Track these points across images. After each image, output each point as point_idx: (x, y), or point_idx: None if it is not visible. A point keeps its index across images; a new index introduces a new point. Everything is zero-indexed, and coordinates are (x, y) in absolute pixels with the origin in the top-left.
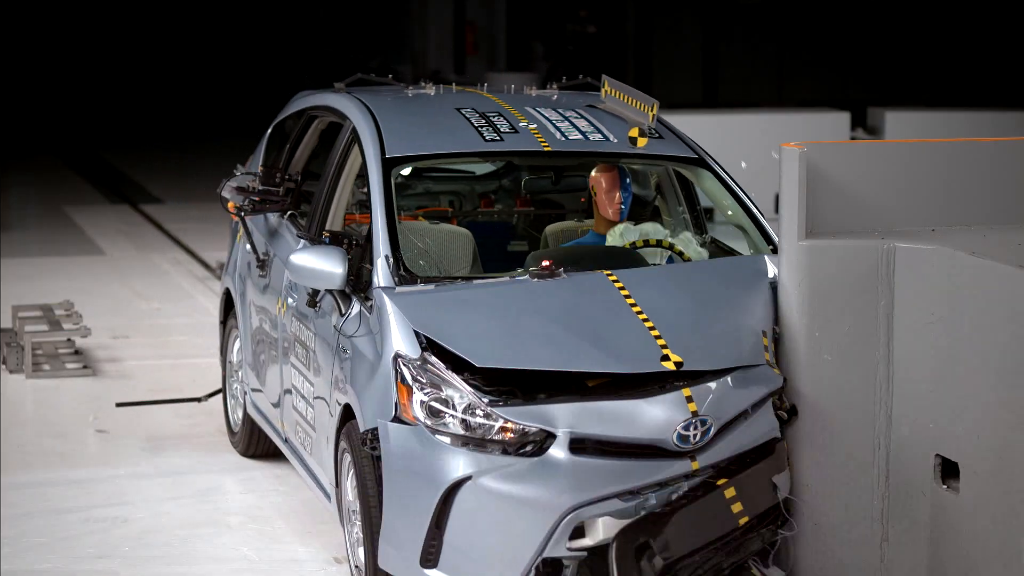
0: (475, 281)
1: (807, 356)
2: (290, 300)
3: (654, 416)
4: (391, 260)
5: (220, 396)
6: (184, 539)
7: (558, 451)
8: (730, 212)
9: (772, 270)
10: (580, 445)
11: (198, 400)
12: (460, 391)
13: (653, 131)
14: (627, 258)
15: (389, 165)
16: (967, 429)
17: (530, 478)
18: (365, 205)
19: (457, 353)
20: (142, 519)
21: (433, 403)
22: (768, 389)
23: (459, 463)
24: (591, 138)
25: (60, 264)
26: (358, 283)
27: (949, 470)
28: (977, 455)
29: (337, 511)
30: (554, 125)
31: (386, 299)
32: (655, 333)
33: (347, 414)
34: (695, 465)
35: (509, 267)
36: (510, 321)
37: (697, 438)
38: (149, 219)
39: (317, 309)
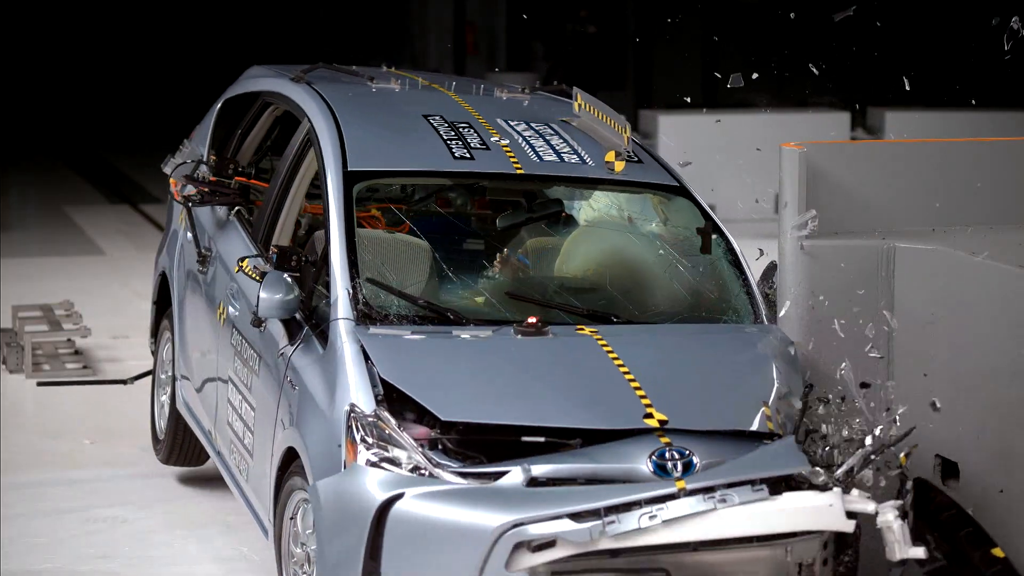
0: (455, 332)
1: (807, 356)
2: (231, 309)
3: (623, 451)
4: (350, 293)
5: (149, 401)
6: (184, 539)
7: (512, 480)
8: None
9: (773, 342)
10: (537, 482)
11: (123, 383)
12: (408, 451)
13: (631, 154)
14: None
15: (351, 180)
16: (967, 429)
17: (468, 499)
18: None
19: (422, 404)
20: (142, 519)
21: (379, 461)
22: (776, 468)
23: (387, 482)
24: (566, 159)
25: (60, 264)
26: (307, 306)
27: (949, 470)
28: (977, 455)
29: (275, 550)
30: (528, 142)
31: (348, 342)
32: (640, 392)
33: (291, 454)
34: (680, 484)
35: (462, 266)
36: (485, 375)
37: (679, 469)
38: (149, 219)
39: (262, 330)
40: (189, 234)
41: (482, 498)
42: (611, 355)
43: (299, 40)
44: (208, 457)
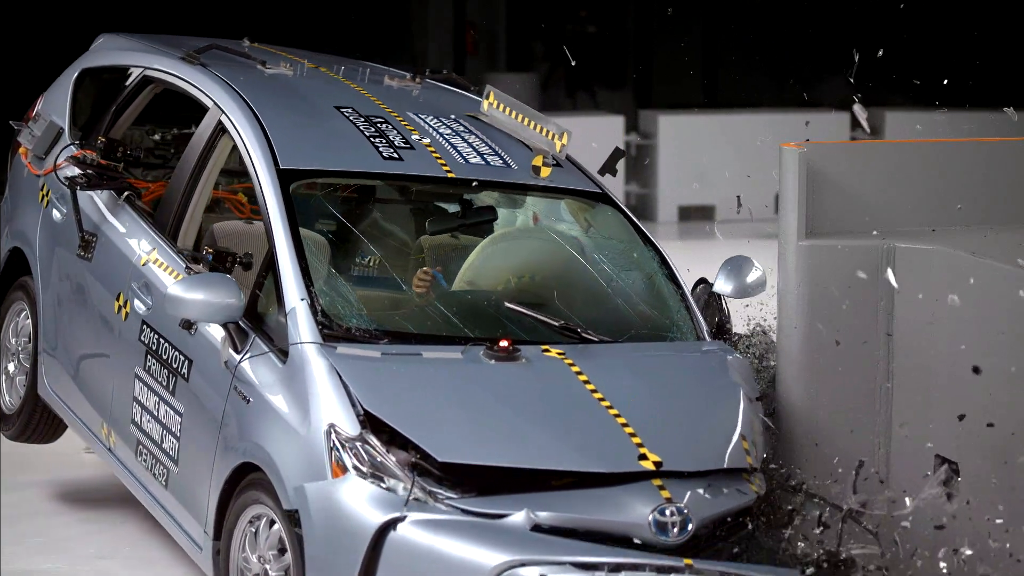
0: (424, 354)
1: (807, 356)
2: (139, 304)
3: (625, 501)
4: (307, 304)
5: None
6: None
7: (516, 521)
8: (635, 255)
9: (736, 364)
10: (542, 529)
11: None
12: (404, 482)
13: (555, 159)
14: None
15: (286, 179)
16: (967, 429)
17: (470, 531)
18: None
19: (418, 444)
20: (142, 519)
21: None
22: (742, 503)
23: (387, 502)
24: (491, 162)
25: None
26: (253, 313)
27: (949, 470)
28: (977, 455)
29: (214, 563)
30: (448, 142)
31: (317, 359)
32: (629, 430)
33: (244, 469)
34: (687, 562)
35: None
36: (471, 410)
37: (676, 529)
38: None
39: (193, 332)
40: (57, 213)
41: (484, 534)
42: (588, 385)
43: (297, 39)
44: (63, 432)
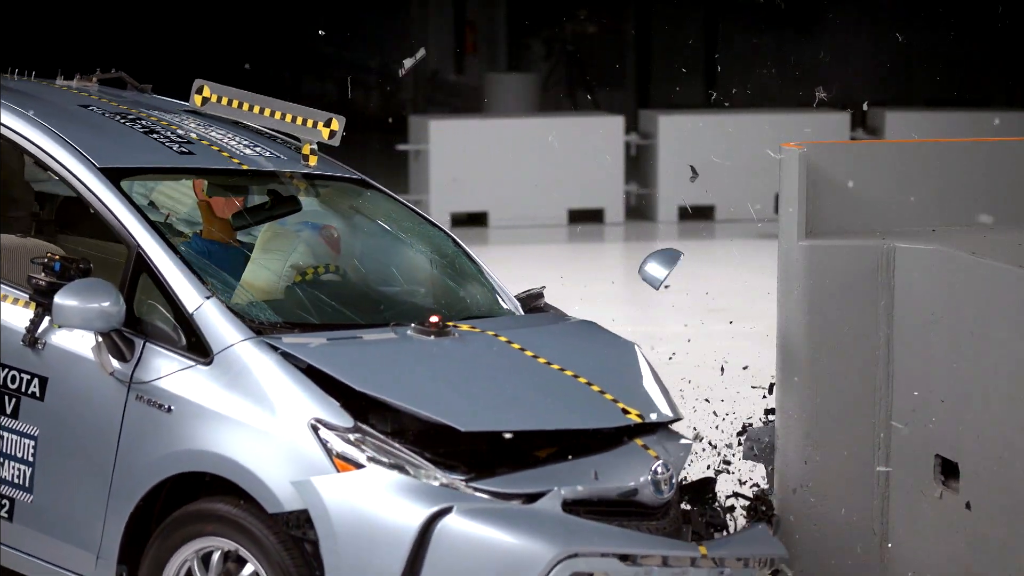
0: (364, 337)
1: (807, 356)
2: None
3: (626, 465)
4: (216, 301)
5: None
6: None
7: (550, 504)
8: (430, 236)
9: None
10: (571, 507)
11: None
12: (426, 469)
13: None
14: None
15: (113, 178)
16: (967, 429)
17: (519, 520)
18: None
19: (439, 420)
20: None
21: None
22: (689, 450)
23: (436, 494)
24: (261, 153)
25: None
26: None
27: (949, 470)
28: (977, 455)
29: None
30: (210, 136)
31: (261, 356)
32: (596, 388)
33: (164, 483)
34: (703, 550)
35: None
36: (457, 382)
37: (666, 486)
38: None
39: (40, 347)
40: None
41: (533, 522)
42: (527, 352)
43: (295, 38)
44: None
